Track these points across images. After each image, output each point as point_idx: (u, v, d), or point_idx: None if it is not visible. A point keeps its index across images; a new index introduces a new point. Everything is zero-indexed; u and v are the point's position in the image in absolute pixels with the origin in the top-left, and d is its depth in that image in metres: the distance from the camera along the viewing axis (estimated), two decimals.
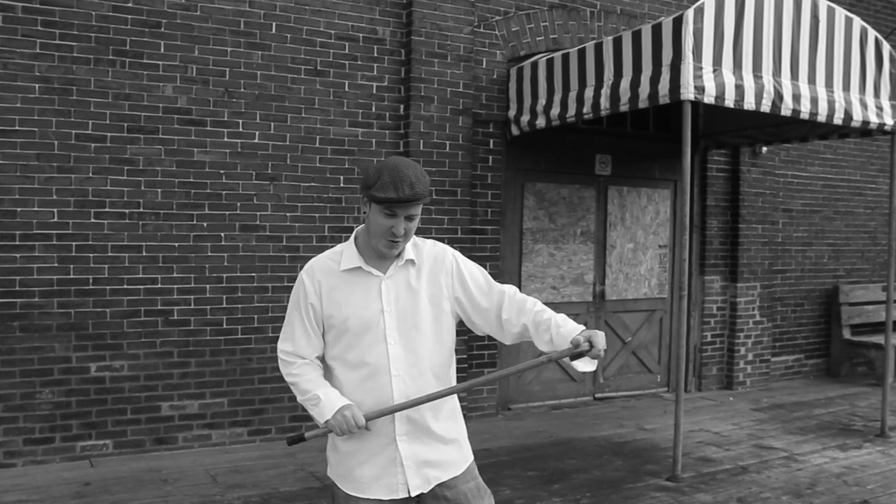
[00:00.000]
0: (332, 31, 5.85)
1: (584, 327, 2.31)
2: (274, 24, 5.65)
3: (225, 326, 5.54)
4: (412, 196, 2.24)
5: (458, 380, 2.52)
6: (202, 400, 5.48)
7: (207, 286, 5.48)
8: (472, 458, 2.51)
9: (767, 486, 4.95)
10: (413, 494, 2.35)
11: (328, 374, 2.43)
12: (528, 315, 2.38)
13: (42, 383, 5.04)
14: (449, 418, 2.45)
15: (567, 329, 2.30)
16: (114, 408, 5.22)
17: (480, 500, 2.44)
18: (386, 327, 2.34)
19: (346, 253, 2.41)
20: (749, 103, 5.13)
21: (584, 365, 2.31)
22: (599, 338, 2.22)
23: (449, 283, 2.43)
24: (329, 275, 2.40)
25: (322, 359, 2.44)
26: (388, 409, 2.32)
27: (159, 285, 5.34)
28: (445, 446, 2.42)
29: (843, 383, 8.37)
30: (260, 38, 5.60)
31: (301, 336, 2.39)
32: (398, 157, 2.34)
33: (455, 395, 2.47)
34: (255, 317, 5.62)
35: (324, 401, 2.32)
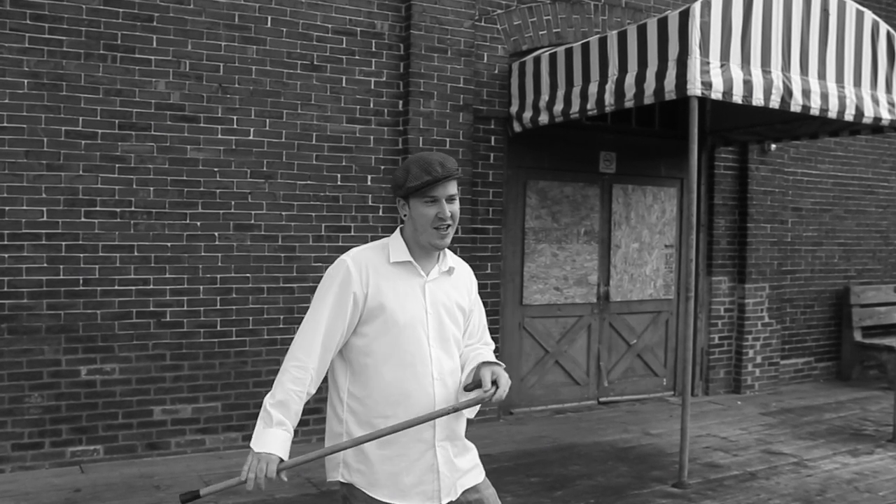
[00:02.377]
0: (329, 26, 5.85)
1: (497, 365, 2.40)
2: (269, 18, 5.65)
3: (219, 328, 5.54)
4: (445, 173, 2.29)
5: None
6: (195, 404, 5.48)
7: (201, 287, 5.48)
8: (483, 472, 2.60)
9: (776, 493, 4.95)
10: (443, 502, 2.39)
11: (357, 377, 2.38)
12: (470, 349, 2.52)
13: (31, 387, 5.04)
14: (463, 426, 2.52)
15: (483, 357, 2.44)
16: (105, 412, 5.23)
17: None
18: (429, 328, 2.37)
19: (392, 246, 2.40)
20: (757, 99, 5.13)
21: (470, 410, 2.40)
22: (503, 382, 2.34)
23: (469, 304, 2.52)
24: (377, 265, 2.37)
25: (341, 361, 2.43)
26: (301, 458, 2.34)
27: (151, 286, 5.34)
28: (469, 453, 2.50)
29: (854, 387, 8.37)
30: (255, 32, 5.61)
31: (323, 343, 2.32)
32: (420, 152, 2.39)
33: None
34: (250, 319, 5.62)
35: (267, 431, 2.33)
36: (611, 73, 5.53)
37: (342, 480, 2.41)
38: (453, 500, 2.41)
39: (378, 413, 2.34)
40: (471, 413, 2.42)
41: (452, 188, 2.34)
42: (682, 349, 6.63)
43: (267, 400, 2.34)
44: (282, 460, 2.33)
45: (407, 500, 2.35)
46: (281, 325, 5.68)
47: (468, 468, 2.47)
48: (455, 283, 2.48)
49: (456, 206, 2.36)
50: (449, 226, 2.34)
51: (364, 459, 2.36)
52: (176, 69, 5.37)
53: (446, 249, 2.46)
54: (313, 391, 2.37)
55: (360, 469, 2.37)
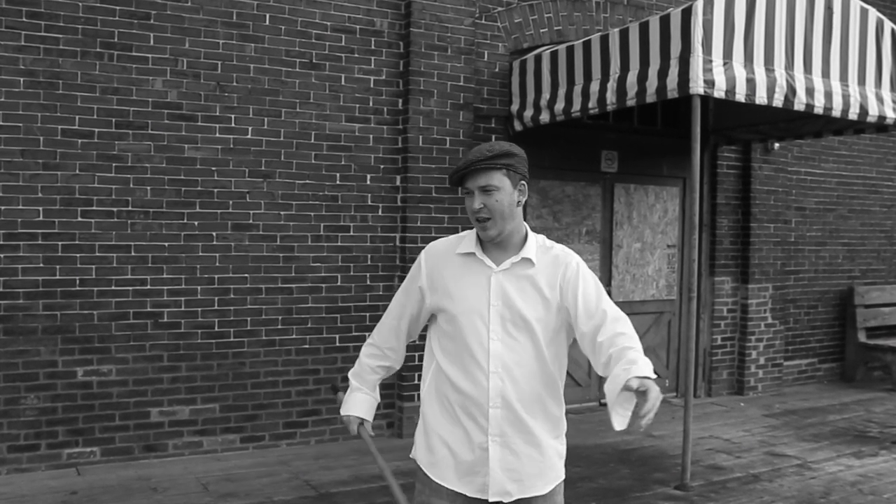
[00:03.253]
0: (328, 23, 5.85)
1: (648, 375, 2.12)
2: (267, 16, 5.65)
3: (217, 329, 5.54)
4: (465, 164, 2.31)
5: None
6: (193, 405, 5.48)
7: (198, 287, 5.48)
8: (559, 480, 2.47)
9: (780, 495, 4.95)
10: (492, 500, 2.36)
11: (430, 359, 2.49)
12: (613, 348, 2.28)
13: (27, 388, 5.04)
14: (547, 433, 2.42)
15: (633, 367, 2.15)
16: (101, 414, 5.23)
17: None
18: (490, 321, 2.34)
19: (467, 238, 2.45)
20: (761, 98, 5.13)
21: (618, 420, 2.15)
22: (653, 394, 2.03)
23: (560, 294, 2.37)
24: (445, 255, 2.44)
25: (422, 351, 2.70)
26: (374, 450, 2.63)
27: (149, 286, 5.34)
28: (533, 462, 2.38)
29: (859, 388, 8.37)
30: (253, 29, 5.61)
31: (390, 324, 2.61)
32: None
33: (560, 409, 2.46)
34: (248, 319, 5.62)
35: (349, 396, 2.67)
36: (612, 71, 5.53)
37: (411, 456, 2.57)
38: (505, 502, 2.36)
39: (443, 395, 2.42)
40: (619, 422, 2.16)
41: (484, 178, 2.30)
42: (685, 350, 6.64)
43: (349, 373, 2.71)
44: (363, 421, 2.66)
45: (456, 487, 2.39)
46: (279, 326, 5.68)
47: (525, 476, 2.37)
48: (536, 272, 2.37)
49: (493, 198, 2.30)
50: (487, 219, 2.32)
51: (429, 441, 2.46)
52: (173, 67, 5.37)
53: (534, 237, 2.43)
54: (394, 366, 2.67)
55: (424, 448, 2.48)
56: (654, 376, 2.15)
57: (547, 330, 2.37)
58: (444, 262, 2.43)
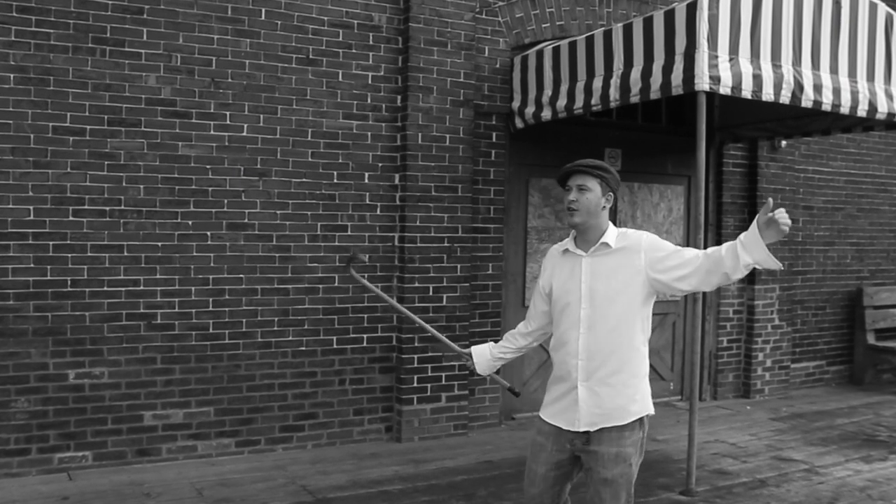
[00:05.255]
0: (325, 18, 5.85)
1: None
2: (263, 11, 5.65)
3: (211, 331, 5.54)
4: (572, 166, 3.21)
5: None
6: (187, 409, 5.48)
7: (193, 288, 5.48)
8: (638, 416, 3.14)
9: (787, 501, 4.95)
10: (581, 430, 3.12)
11: (550, 338, 3.34)
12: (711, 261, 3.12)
13: (17, 391, 5.04)
14: (626, 374, 3.12)
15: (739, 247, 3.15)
16: (93, 417, 5.23)
17: (607, 470, 3.08)
18: (581, 298, 3.14)
19: (569, 238, 3.28)
20: (767, 94, 5.13)
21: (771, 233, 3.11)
22: (780, 215, 2.97)
23: (645, 261, 3.11)
24: (555, 255, 3.33)
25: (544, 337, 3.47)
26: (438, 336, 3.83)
27: (142, 287, 5.34)
28: (613, 399, 3.11)
29: (868, 391, 8.38)
30: (248, 25, 5.61)
31: (528, 314, 3.47)
32: None
33: (642, 358, 3.20)
34: (244, 321, 5.62)
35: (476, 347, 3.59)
36: (616, 67, 5.54)
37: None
38: (592, 430, 3.10)
39: (553, 354, 3.29)
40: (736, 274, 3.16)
41: (581, 179, 3.17)
42: (690, 352, 6.63)
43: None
44: (470, 356, 3.56)
45: (554, 421, 3.20)
46: (275, 328, 5.69)
47: (606, 410, 3.10)
48: (620, 254, 3.14)
49: (585, 196, 3.14)
50: (574, 210, 3.16)
51: (547, 390, 3.32)
52: (167, 63, 5.38)
53: (614, 230, 3.21)
54: (530, 343, 3.52)
55: (544, 397, 3.31)
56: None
57: (624, 296, 3.10)
58: (553, 260, 3.33)
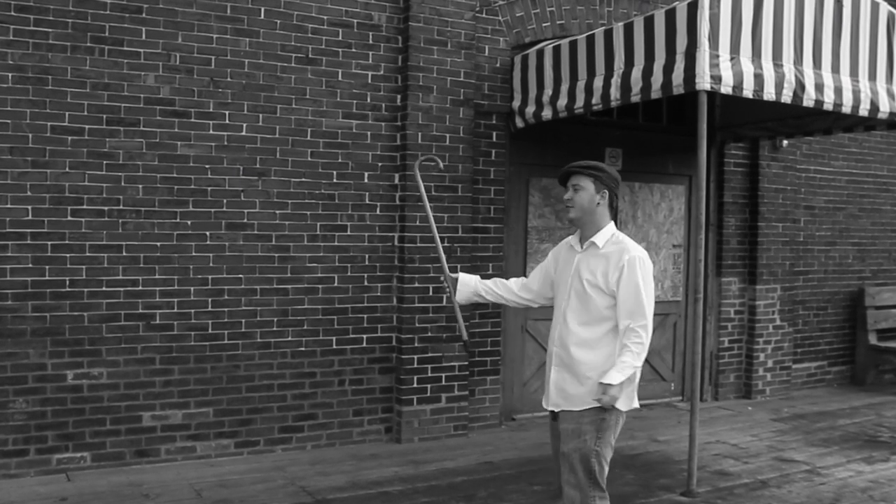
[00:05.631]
0: (325, 17, 5.85)
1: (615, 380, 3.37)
2: (262, 10, 5.64)
3: (210, 331, 5.54)
4: (567, 169, 3.55)
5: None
6: (186, 410, 5.48)
7: (192, 288, 5.48)
8: (591, 406, 3.43)
9: (788, 502, 4.95)
10: (548, 409, 3.60)
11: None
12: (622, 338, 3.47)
13: (15, 392, 5.03)
14: (587, 366, 3.44)
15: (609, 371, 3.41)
16: (92, 418, 5.22)
17: (564, 444, 3.48)
18: (568, 291, 3.53)
19: (575, 235, 3.62)
20: (769, 93, 5.13)
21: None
22: (607, 398, 3.38)
23: (609, 280, 3.42)
24: (563, 248, 3.70)
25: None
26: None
27: (140, 287, 5.34)
28: (576, 385, 3.46)
29: (869, 392, 8.37)
30: (248, 24, 5.60)
31: (531, 277, 3.87)
32: None
33: (610, 347, 3.46)
34: (243, 321, 5.61)
35: (464, 275, 3.99)
36: (616, 66, 5.53)
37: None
38: (556, 411, 3.54)
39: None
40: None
41: (574, 179, 3.50)
42: (691, 353, 6.63)
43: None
44: (456, 282, 3.91)
45: (544, 403, 3.67)
46: (275, 328, 5.68)
47: (568, 394, 3.48)
48: (604, 258, 3.45)
49: (579, 195, 3.47)
50: (570, 207, 3.52)
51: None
52: (166, 62, 5.37)
53: (610, 232, 3.50)
54: (511, 298, 3.87)
55: None
56: (618, 381, 3.36)
57: (597, 296, 3.44)
58: (559, 254, 3.69)
